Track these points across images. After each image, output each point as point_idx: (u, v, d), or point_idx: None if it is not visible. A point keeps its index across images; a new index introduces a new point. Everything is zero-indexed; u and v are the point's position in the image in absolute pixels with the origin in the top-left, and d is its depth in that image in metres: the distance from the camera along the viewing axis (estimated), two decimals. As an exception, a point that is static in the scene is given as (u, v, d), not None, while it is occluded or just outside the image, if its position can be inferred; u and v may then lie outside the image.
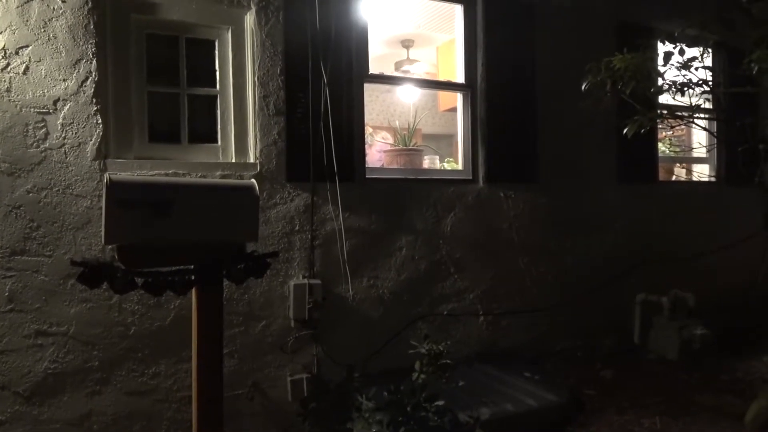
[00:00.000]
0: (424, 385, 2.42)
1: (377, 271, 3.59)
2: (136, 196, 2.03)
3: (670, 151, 5.40)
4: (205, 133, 3.23)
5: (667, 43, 4.83)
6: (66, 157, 2.81)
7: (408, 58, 6.20)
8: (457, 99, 4.11)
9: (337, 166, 3.36)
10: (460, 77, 4.04)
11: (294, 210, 3.33)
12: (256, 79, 3.24)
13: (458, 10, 4.06)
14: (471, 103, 3.98)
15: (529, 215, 4.11)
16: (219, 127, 3.24)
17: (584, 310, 4.24)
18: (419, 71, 6.11)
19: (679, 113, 3.51)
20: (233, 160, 3.24)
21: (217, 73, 3.25)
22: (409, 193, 3.71)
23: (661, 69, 3.06)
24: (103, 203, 2.01)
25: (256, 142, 3.24)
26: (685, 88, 2.98)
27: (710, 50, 5.11)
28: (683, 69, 2.97)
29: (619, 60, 2.67)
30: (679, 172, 5.55)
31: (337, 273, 3.43)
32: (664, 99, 4.85)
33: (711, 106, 5.22)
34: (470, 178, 3.96)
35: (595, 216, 4.42)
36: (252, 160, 3.25)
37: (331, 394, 2.62)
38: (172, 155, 3.11)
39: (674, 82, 3.04)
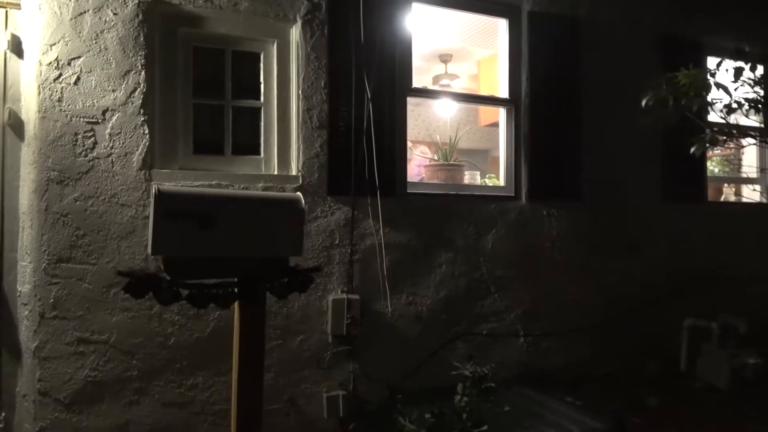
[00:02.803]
0: (469, 409, 2.34)
1: (416, 288, 3.53)
2: (183, 208, 2.02)
3: (719, 170, 5.21)
4: (248, 145, 3.23)
5: (718, 58, 4.74)
6: (113, 167, 2.84)
7: (446, 72, 6.17)
8: (500, 114, 4.04)
9: (379, 180, 3.32)
10: (503, 92, 3.98)
11: (334, 224, 3.30)
12: (300, 92, 3.24)
13: (502, 24, 4.01)
14: (515, 119, 3.91)
15: (571, 234, 3.99)
16: (262, 139, 3.24)
17: (627, 333, 4.09)
18: (457, 86, 6.07)
19: (747, 132, 3.35)
20: (275, 173, 3.23)
21: (262, 86, 3.26)
22: (450, 208, 3.65)
23: (732, 85, 2.92)
24: (150, 213, 2.00)
25: (298, 154, 3.23)
26: (756, 105, 2.84)
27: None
28: (756, 85, 2.83)
29: (684, 75, 2.54)
30: (728, 192, 5.36)
31: (375, 289, 3.38)
32: (713, 117, 4.71)
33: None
34: (512, 194, 3.88)
35: (640, 236, 4.28)
36: (294, 173, 3.24)
37: (371, 415, 2.56)
38: (215, 167, 3.12)
39: (746, 99, 2.89)
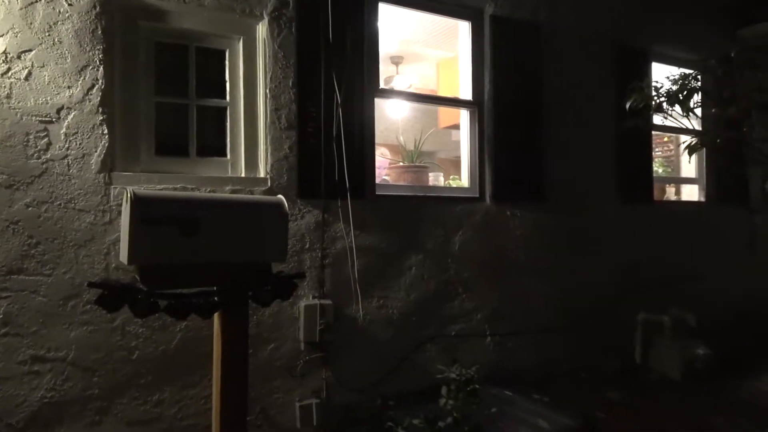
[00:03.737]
0: (456, 413, 2.32)
1: (387, 291, 3.48)
2: (162, 213, 1.89)
3: (662, 171, 5.48)
4: (214, 146, 3.09)
5: (662, 65, 4.98)
6: (69, 170, 2.63)
7: (397, 73, 6.14)
8: (462, 116, 4.06)
9: (349, 182, 3.26)
10: (465, 94, 4.00)
11: (305, 227, 3.20)
12: (267, 91, 3.12)
13: (464, 27, 4.03)
14: (478, 120, 3.94)
15: (535, 235, 4.07)
16: (228, 140, 3.10)
17: (589, 330, 4.21)
18: (403, 85, 6.03)
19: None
20: (243, 175, 3.10)
21: (228, 84, 3.12)
22: (419, 211, 3.63)
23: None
24: (124, 220, 1.86)
25: (266, 156, 3.12)
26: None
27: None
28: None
29: (668, 80, 2.57)
30: (669, 193, 5.63)
31: (347, 293, 3.31)
32: (659, 120, 4.95)
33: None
34: (477, 196, 3.91)
35: (599, 236, 4.42)
36: (262, 175, 3.12)
37: (362, 425, 2.49)
38: (179, 169, 2.95)
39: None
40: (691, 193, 5.52)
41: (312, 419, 3.12)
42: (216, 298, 2.07)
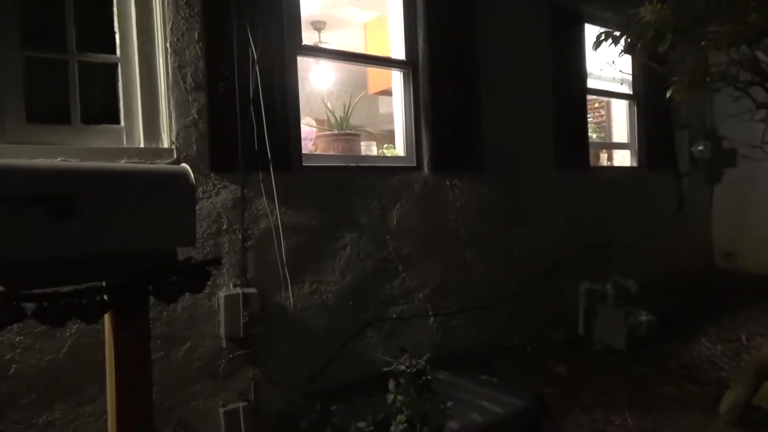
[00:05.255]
0: (408, 410, 2.00)
1: (320, 274, 3.11)
2: (25, 189, 1.42)
3: (596, 137, 5.39)
4: (103, 111, 2.56)
5: (594, 26, 4.82)
6: None
7: (320, 40, 5.69)
8: (396, 79, 3.70)
9: (271, 152, 2.83)
10: (397, 54, 3.64)
11: (221, 205, 2.76)
12: (168, 45, 2.62)
13: (394, -20, 3.66)
14: (413, 82, 3.59)
15: (475, 205, 3.81)
16: (122, 103, 2.58)
17: (531, 302, 4.04)
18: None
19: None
20: (142, 145, 2.60)
21: (117, 36, 2.58)
22: (352, 183, 3.26)
23: None
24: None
25: (170, 123, 2.63)
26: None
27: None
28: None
29: (649, 11, 2.27)
30: (602, 159, 5.58)
31: (274, 279, 2.90)
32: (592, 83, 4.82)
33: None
34: (414, 165, 3.58)
35: (539, 204, 4.23)
36: (166, 145, 2.63)
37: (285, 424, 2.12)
38: (59, 140, 2.41)
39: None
40: (623, 158, 5.48)
41: (240, 426, 2.71)
42: (105, 297, 1.62)
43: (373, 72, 4.66)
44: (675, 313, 4.48)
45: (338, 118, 3.64)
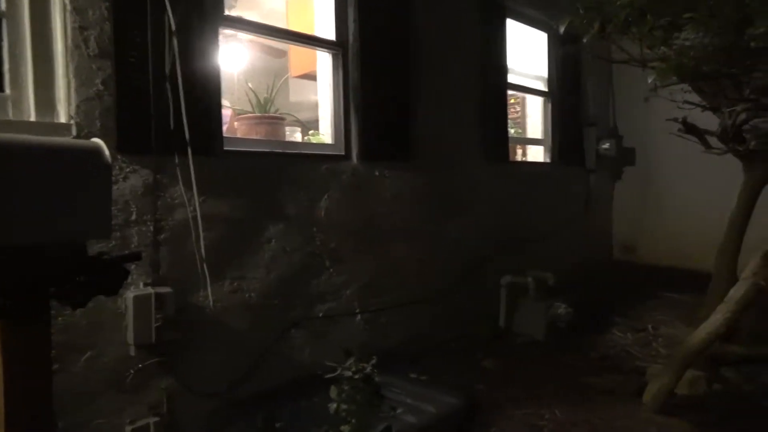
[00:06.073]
0: (354, 420, 1.80)
1: (243, 271, 2.81)
2: None
3: (514, 132, 5.45)
4: (-18, 75, 2.11)
5: (515, 21, 4.85)
6: None
7: (229, 15, 5.25)
8: (323, 61, 3.47)
9: (190, 134, 2.50)
10: (325, 34, 3.40)
11: (129, 192, 2.39)
12: (66, 1, 2.21)
13: (321, -47, 3.41)
14: (342, 65, 3.37)
15: (405, 197, 3.66)
16: (7, 67, 2.13)
17: (458, 297, 3.98)
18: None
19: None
20: (33, 119, 2.17)
21: (0, -15, 2.14)
22: (279, 171, 2.99)
23: None
24: None
25: (69, 93, 2.22)
26: None
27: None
28: None
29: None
30: (517, 154, 5.67)
31: (192, 276, 2.58)
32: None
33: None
34: (343, 153, 3.37)
35: (468, 197, 4.18)
36: (63, 120, 2.22)
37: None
38: None
39: None
40: (536, 154, 5.60)
41: (150, 444, 2.38)
42: (-7, 303, 1.28)
43: (296, 54, 4.37)
44: (584, 305, 4.63)
45: (261, 100, 3.33)
